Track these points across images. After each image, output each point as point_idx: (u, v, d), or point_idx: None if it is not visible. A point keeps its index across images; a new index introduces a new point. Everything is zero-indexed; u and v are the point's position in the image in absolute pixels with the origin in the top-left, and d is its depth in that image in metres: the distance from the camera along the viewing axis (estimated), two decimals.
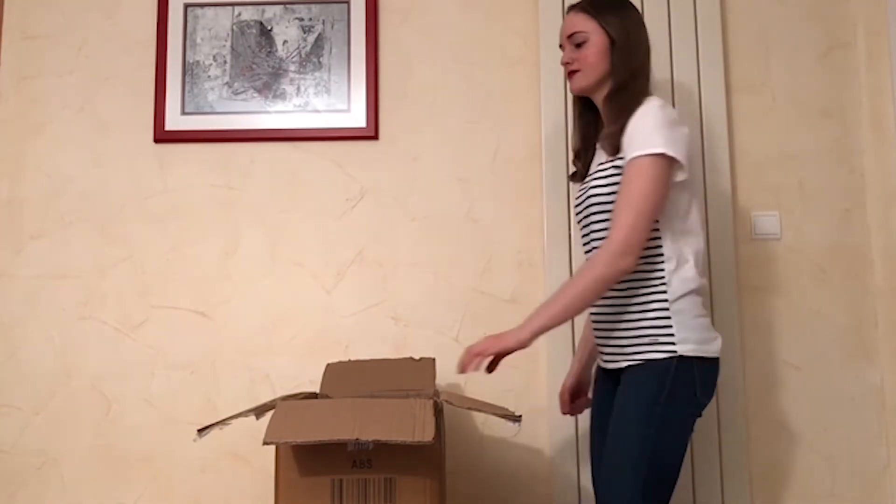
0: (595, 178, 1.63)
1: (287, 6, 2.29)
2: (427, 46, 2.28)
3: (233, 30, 2.29)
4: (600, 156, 1.67)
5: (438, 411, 1.50)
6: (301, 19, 2.29)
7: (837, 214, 2.19)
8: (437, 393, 1.71)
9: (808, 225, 2.19)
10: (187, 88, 2.27)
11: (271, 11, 2.29)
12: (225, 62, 2.28)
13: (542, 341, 2.13)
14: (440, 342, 2.16)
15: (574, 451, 2.06)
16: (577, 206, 1.73)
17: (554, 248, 2.14)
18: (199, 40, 2.29)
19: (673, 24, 2.20)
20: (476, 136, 2.24)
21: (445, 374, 2.11)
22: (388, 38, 2.28)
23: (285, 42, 2.28)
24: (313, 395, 1.83)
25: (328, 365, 1.97)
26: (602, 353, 1.65)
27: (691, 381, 1.49)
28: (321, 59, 2.27)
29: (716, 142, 2.16)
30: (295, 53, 2.28)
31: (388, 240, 2.22)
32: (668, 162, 1.50)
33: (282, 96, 2.26)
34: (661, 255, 1.54)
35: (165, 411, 2.17)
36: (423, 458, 1.45)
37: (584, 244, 1.70)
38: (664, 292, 1.52)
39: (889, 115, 2.14)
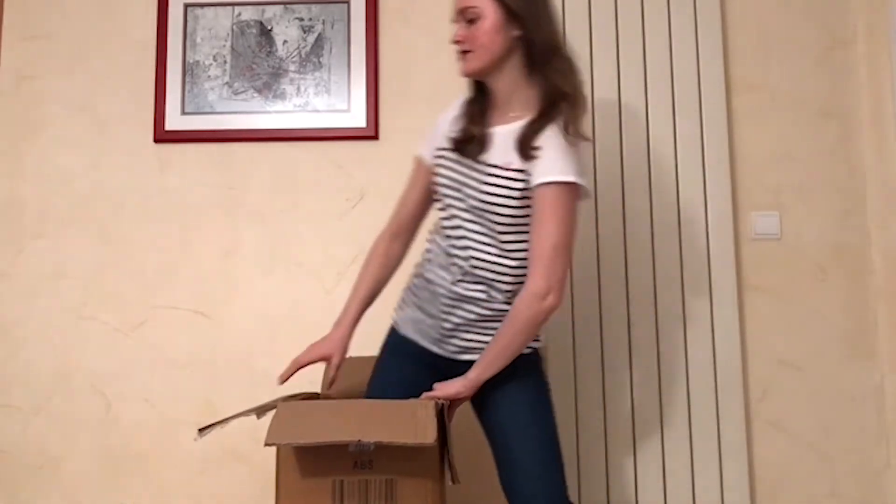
0: (500, 181, 1.48)
1: (287, 6, 2.29)
2: (427, 46, 2.28)
3: (233, 30, 2.29)
4: (502, 151, 1.50)
5: (440, 412, 1.50)
6: (301, 19, 2.29)
7: (837, 214, 2.19)
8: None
9: (808, 225, 2.19)
10: (187, 88, 2.27)
11: (271, 11, 2.29)
12: (225, 62, 2.28)
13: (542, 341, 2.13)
14: None
15: (574, 451, 2.06)
16: (457, 185, 1.53)
17: None
18: (199, 40, 2.29)
19: (673, 24, 2.20)
20: None
21: None
22: (388, 38, 2.28)
23: (285, 42, 2.28)
24: (314, 396, 1.83)
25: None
26: (448, 338, 1.57)
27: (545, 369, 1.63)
28: (321, 59, 2.27)
29: (716, 142, 2.16)
30: (295, 53, 2.28)
31: None
32: (579, 189, 1.47)
33: (282, 96, 2.26)
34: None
35: (165, 411, 2.17)
36: (425, 460, 1.45)
37: (452, 227, 1.55)
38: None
39: (889, 115, 2.14)
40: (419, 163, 1.68)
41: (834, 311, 2.16)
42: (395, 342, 1.67)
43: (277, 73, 2.27)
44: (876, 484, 2.10)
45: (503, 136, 1.53)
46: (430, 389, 1.54)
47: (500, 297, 1.53)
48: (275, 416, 1.46)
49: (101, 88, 2.29)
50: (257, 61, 2.28)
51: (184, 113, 2.26)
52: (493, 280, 1.53)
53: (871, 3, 2.21)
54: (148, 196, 2.25)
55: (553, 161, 1.45)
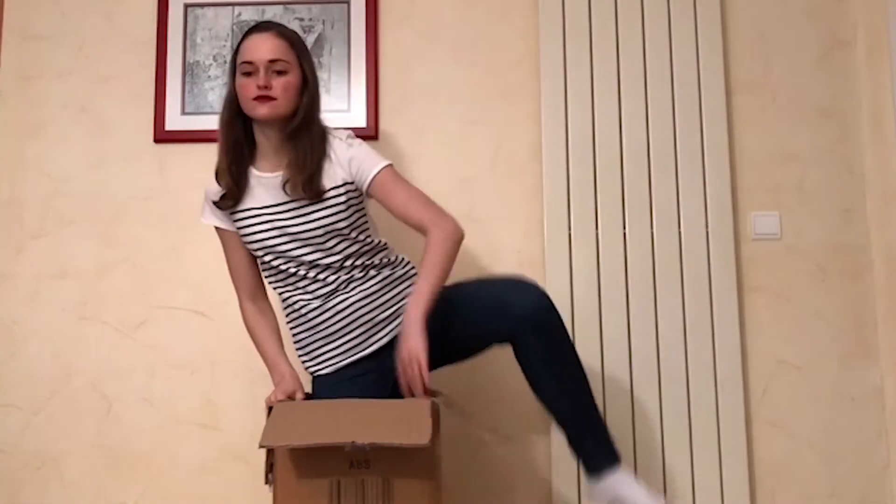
0: (327, 210, 1.69)
1: (287, 6, 2.29)
2: (427, 46, 2.28)
3: (233, 30, 2.29)
4: (289, 190, 1.69)
5: (436, 412, 1.50)
6: (301, 19, 2.29)
7: (837, 214, 2.19)
8: (435, 393, 1.71)
9: (808, 225, 2.19)
10: (187, 88, 2.27)
11: (271, 11, 2.29)
12: (225, 62, 2.28)
13: None
14: None
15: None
16: (279, 233, 1.71)
17: (554, 248, 2.14)
18: (199, 40, 2.29)
19: (673, 24, 2.20)
20: (476, 136, 2.24)
21: (445, 374, 2.10)
22: (388, 38, 2.28)
23: None
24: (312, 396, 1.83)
25: None
26: (349, 341, 1.73)
27: None
28: (321, 60, 2.27)
29: (716, 142, 2.16)
30: None
31: (388, 239, 2.21)
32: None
33: None
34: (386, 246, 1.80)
35: (165, 411, 2.17)
36: (421, 459, 1.45)
37: (293, 265, 1.73)
38: (411, 266, 1.81)
39: (889, 115, 2.14)
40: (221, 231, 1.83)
41: (834, 311, 2.16)
42: (329, 383, 1.74)
43: None
44: (876, 484, 2.10)
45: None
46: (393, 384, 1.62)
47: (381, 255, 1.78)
48: (270, 418, 1.46)
49: (101, 88, 2.29)
50: None
51: (184, 113, 2.26)
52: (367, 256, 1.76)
53: (871, 3, 2.21)
54: (148, 196, 2.25)
55: (357, 164, 1.72)
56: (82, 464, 2.15)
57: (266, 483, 1.52)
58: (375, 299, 1.73)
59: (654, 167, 2.16)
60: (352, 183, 1.71)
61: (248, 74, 1.68)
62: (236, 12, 2.30)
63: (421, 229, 1.69)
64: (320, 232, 1.69)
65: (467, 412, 1.55)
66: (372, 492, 1.44)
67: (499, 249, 2.20)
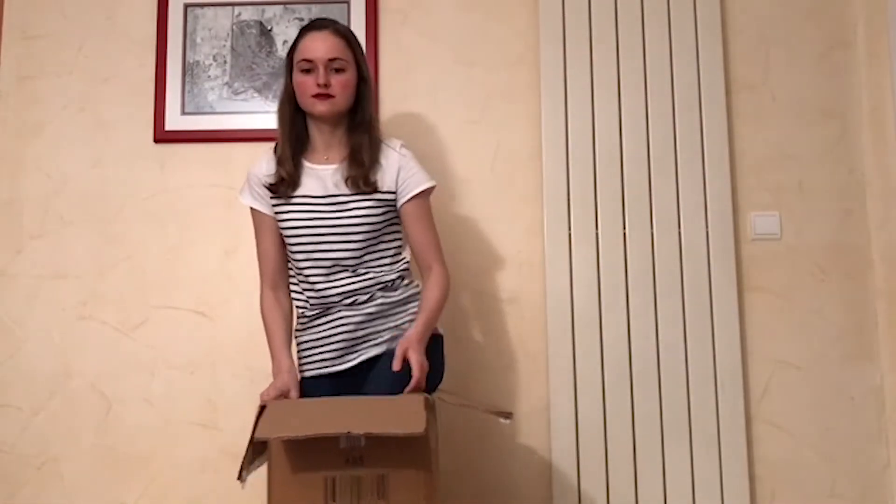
0: (363, 208, 1.72)
1: (287, 6, 2.29)
2: (427, 46, 2.28)
3: (233, 30, 2.29)
4: (332, 180, 1.74)
5: (430, 407, 1.50)
6: (301, 19, 2.29)
7: (837, 214, 2.19)
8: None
9: (808, 225, 2.19)
10: (187, 88, 2.27)
11: (271, 11, 2.29)
12: (225, 62, 2.28)
13: (543, 341, 2.13)
14: None
15: (574, 451, 2.06)
16: (318, 223, 1.73)
17: (554, 248, 2.14)
18: (199, 40, 2.29)
19: (673, 24, 2.20)
20: (476, 136, 2.24)
21: (445, 374, 2.11)
22: (388, 38, 2.28)
23: (285, 42, 2.28)
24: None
25: None
26: (346, 352, 1.74)
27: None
28: None
29: (716, 142, 2.16)
30: None
31: None
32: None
33: None
34: (408, 266, 1.82)
35: (165, 411, 2.17)
36: (416, 454, 1.45)
37: (317, 260, 1.74)
38: (415, 292, 1.79)
39: (889, 115, 2.14)
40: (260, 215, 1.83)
41: (834, 311, 2.16)
42: (308, 387, 1.76)
43: (277, 74, 2.27)
44: (876, 484, 2.10)
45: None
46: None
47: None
48: (265, 413, 1.46)
49: (101, 88, 2.29)
50: (257, 61, 2.28)
51: (184, 113, 2.26)
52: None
53: (871, 3, 2.21)
54: (148, 196, 2.25)
55: (405, 176, 1.77)
56: (82, 464, 2.15)
57: (239, 479, 1.50)
58: (368, 322, 1.74)
59: (654, 167, 2.16)
60: (395, 193, 1.75)
61: (306, 72, 1.72)
62: (236, 12, 2.30)
63: (425, 265, 1.76)
64: (359, 227, 1.72)
65: (509, 421, 1.55)
66: (367, 488, 1.44)
67: (499, 249, 2.20)
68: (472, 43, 2.28)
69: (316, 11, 2.28)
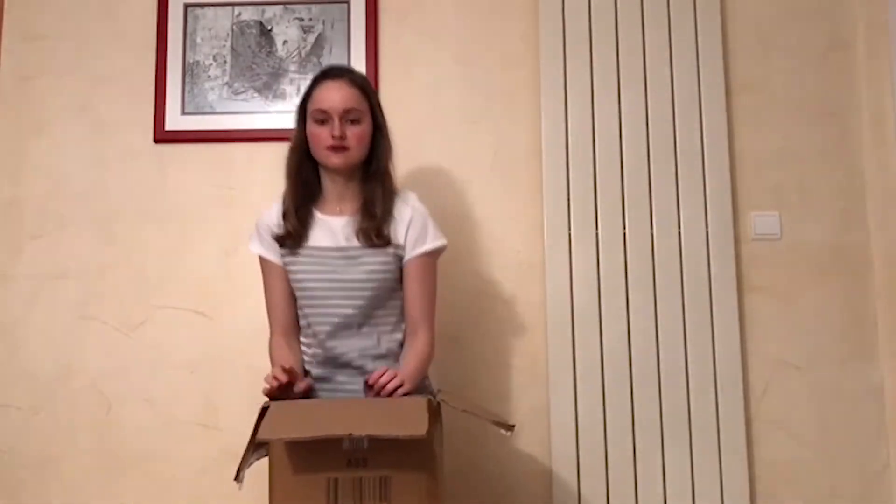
0: (374, 262, 1.68)
1: (287, 6, 2.29)
2: (427, 46, 2.28)
3: (233, 30, 2.29)
4: (343, 233, 1.70)
5: (434, 409, 1.50)
6: (301, 19, 2.29)
7: (837, 214, 2.19)
8: (434, 392, 1.71)
9: (808, 225, 2.19)
10: (187, 88, 2.27)
11: (271, 11, 2.29)
12: (225, 62, 2.28)
13: (543, 341, 2.13)
14: (440, 341, 2.15)
15: (574, 451, 2.06)
16: (326, 276, 1.68)
17: (554, 248, 2.14)
18: (199, 40, 2.29)
19: (673, 24, 2.20)
20: (476, 136, 2.24)
21: (445, 374, 2.11)
22: (388, 38, 2.28)
23: (285, 42, 2.28)
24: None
25: None
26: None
27: None
28: (321, 60, 2.27)
29: (716, 142, 2.16)
30: (295, 53, 2.28)
31: None
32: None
33: (282, 96, 2.26)
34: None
35: (165, 411, 2.17)
36: (418, 456, 1.44)
37: (324, 315, 1.69)
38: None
39: (889, 115, 2.14)
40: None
41: (834, 311, 2.16)
42: None
43: (277, 74, 2.27)
44: (876, 484, 2.10)
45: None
46: None
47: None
48: (267, 414, 1.46)
49: (101, 88, 2.29)
50: (257, 61, 2.28)
51: (184, 113, 2.26)
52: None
53: (871, 3, 2.21)
54: (148, 196, 2.25)
55: (415, 232, 1.73)
56: (82, 464, 2.15)
57: (236, 480, 1.49)
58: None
59: (654, 167, 2.16)
60: (403, 246, 1.71)
61: (321, 122, 1.68)
62: (236, 12, 2.30)
63: (411, 328, 1.71)
64: (368, 282, 1.67)
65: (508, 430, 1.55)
66: (369, 490, 1.44)
67: (499, 249, 2.20)
68: (472, 43, 2.28)
69: (316, 11, 2.28)
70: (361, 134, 1.69)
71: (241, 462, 1.50)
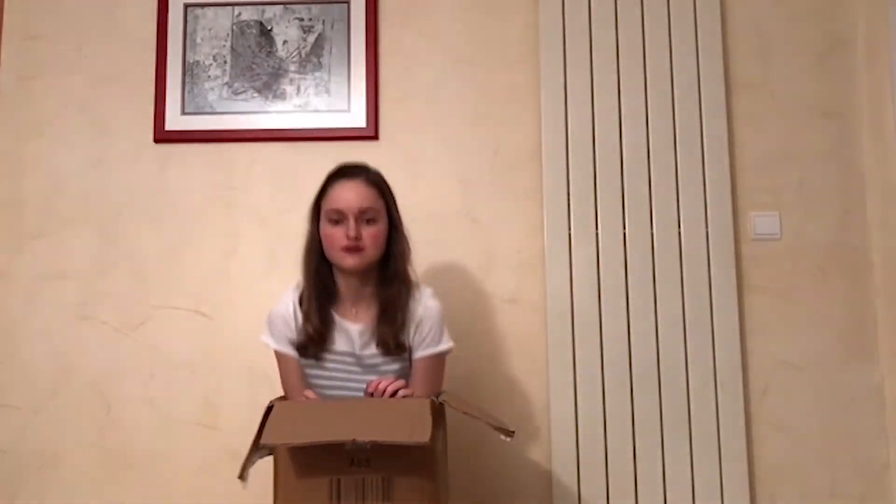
0: (392, 371, 1.67)
1: (287, 6, 2.29)
2: (427, 46, 2.28)
3: (233, 30, 2.29)
4: (360, 340, 1.67)
5: (437, 409, 1.50)
6: (301, 19, 2.29)
7: (837, 214, 2.19)
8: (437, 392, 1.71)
9: (808, 225, 2.19)
10: (187, 88, 2.27)
11: (271, 11, 2.29)
12: (225, 62, 2.28)
13: (543, 341, 2.13)
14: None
15: (574, 450, 2.06)
16: (343, 382, 1.67)
17: (554, 248, 2.14)
18: (199, 40, 2.29)
19: (673, 24, 2.20)
20: (476, 136, 2.24)
21: (445, 374, 2.11)
22: (388, 38, 2.28)
23: (285, 42, 2.28)
24: None
25: None
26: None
27: None
28: (321, 60, 2.27)
29: (715, 141, 2.16)
30: (295, 53, 2.28)
31: None
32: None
33: (282, 96, 2.26)
34: None
35: (165, 411, 2.17)
36: (422, 458, 1.45)
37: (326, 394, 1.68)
38: None
39: (889, 115, 2.14)
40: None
41: (834, 311, 2.16)
42: None
43: (277, 74, 2.27)
44: (876, 484, 2.10)
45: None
46: None
47: None
48: (271, 417, 1.46)
49: (101, 88, 2.29)
50: (257, 61, 2.28)
51: (184, 113, 2.26)
52: None
53: (871, 3, 2.21)
54: (148, 196, 2.25)
55: (423, 332, 1.70)
56: (82, 464, 2.15)
57: (240, 478, 1.51)
58: None
59: (654, 167, 2.16)
60: (411, 346, 1.69)
61: (336, 222, 1.64)
62: (236, 12, 2.30)
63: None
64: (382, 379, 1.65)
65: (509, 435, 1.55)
66: (372, 490, 1.44)
67: (499, 249, 2.20)
68: (472, 43, 2.28)
69: (316, 11, 2.28)
70: (377, 234, 1.65)
71: (246, 461, 1.51)
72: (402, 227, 1.72)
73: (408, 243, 1.72)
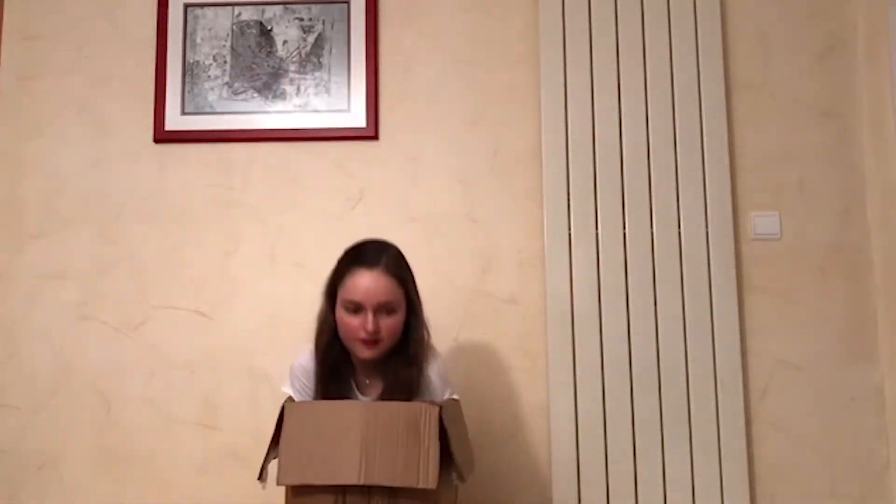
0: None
1: (287, 6, 2.29)
2: (427, 46, 2.28)
3: (233, 30, 2.29)
4: None
5: (444, 418, 1.51)
6: (301, 19, 2.29)
7: (837, 214, 2.19)
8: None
9: (808, 225, 2.19)
10: (187, 88, 2.27)
11: (271, 11, 2.29)
12: (225, 62, 2.28)
13: (543, 341, 2.13)
14: (441, 342, 2.16)
15: (574, 451, 2.06)
16: None
17: (554, 248, 2.14)
18: (199, 40, 2.29)
19: (673, 24, 2.20)
20: (476, 136, 2.24)
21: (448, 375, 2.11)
22: (388, 38, 2.28)
23: (285, 42, 2.28)
24: None
25: None
26: None
27: None
28: (321, 60, 2.27)
29: (715, 141, 2.16)
30: (295, 53, 2.28)
31: (388, 240, 2.21)
32: None
33: (282, 96, 2.26)
34: None
35: (165, 411, 2.17)
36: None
37: None
38: None
39: (889, 115, 2.14)
40: None
41: (834, 311, 2.16)
42: None
43: (277, 74, 2.27)
44: (876, 484, 2.10)
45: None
46: None
47: None
48: (281, 451, 1.49)
49: (101, 88, 2.30)
50: (257, 61, 2.28)
51: (184, 113, 2.26)
52: None
53: (871, 3, 2.21)
54: (148, 196, 2.25)
55: (437, 388, 1.70)
56: (82, 464, 2.15)
57: (259, 479, 1.53)
58: None
59: (654, 167, 2.15)
60: None
61: (353, 311, 1.60)
62: (236, 12, 2.30)
63: None
64: None
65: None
66: (378, 501, 1.46)
67: (499, 249, 2.20)
68: (472, 43, 2.28)
69: (316, 11, 2.28)
70: (395, 325, 1.62)
71: (264, 461, 1.53)
72: (422, 310, 1.67)
73: (426, 327, 1.68)
